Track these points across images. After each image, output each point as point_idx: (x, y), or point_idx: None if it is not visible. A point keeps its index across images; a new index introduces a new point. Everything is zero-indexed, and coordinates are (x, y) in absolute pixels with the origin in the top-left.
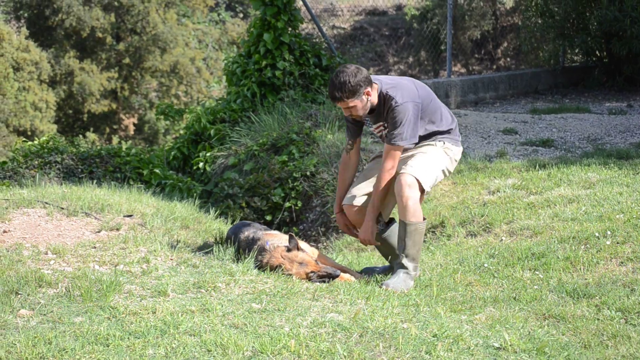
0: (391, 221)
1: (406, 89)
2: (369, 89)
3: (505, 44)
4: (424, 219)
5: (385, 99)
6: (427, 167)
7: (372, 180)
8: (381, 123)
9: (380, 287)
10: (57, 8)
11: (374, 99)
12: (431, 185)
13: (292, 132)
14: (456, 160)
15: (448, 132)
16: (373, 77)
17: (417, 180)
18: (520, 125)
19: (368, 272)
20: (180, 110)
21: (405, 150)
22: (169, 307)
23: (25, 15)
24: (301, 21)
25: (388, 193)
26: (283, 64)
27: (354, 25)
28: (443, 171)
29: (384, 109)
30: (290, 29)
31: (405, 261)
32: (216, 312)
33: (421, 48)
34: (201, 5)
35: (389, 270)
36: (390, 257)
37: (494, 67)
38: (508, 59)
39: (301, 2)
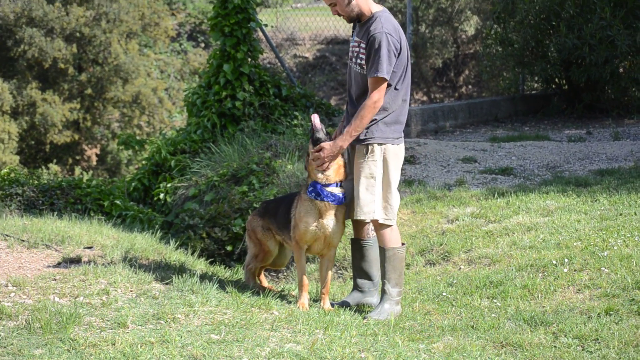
0: None
1: (396, 27)
2: None
3: (467, 72)
4: (403, 243)
5: (373, 21)
6: (362, 198)
7: None
8: (359, 39)
9: (364, 319)
10: (19, 39)
11: (362, 5)
12: (377, 209)
13: (252, 162)
14: (395, 154)
15: (394, 121)
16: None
17: (378, 220)
18: (479, 153)
19: (344, 304)
20: (142, 141)
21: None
22: (128, 339)
23: None
24: (261, 52)
25: None
26: (243, 94)
27: (316, 54)
28: (394, 182)
29: (367, 30)
30: (250, 59)
31: (387, 287)
32: (175, 343)
33: None
34: (163, 35)
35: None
36: (358, 274)
37: (456, 94)
38: (470, 87)
39: (261, 33)
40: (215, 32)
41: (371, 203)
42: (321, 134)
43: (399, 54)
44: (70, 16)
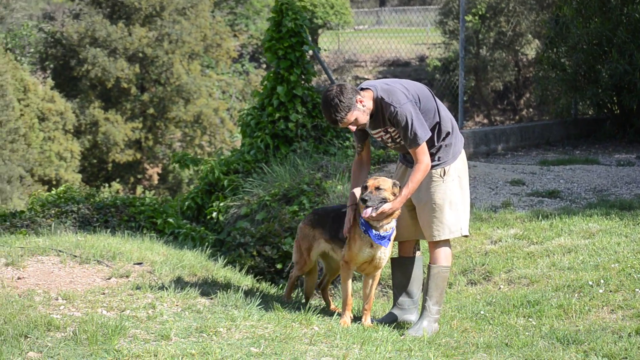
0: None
1: (399, 92)
2: (359, 97)
3: (528, 95)
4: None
5: (382, 106)
6: (448, 218)
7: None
8: (381, 129)
9: (402, 336)
10: (83, 59)
11: (369, 104)
12: (463, 226)
13: (303, 182)
14: (465, 168)
15: (448, 135)
16: (366, 83)
17: (449, 241)
18: (528, 176)
19: (384, 321)
20: (197, 159)
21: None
22: (170, 351)
23: (51, 66)
24: (314, 74)
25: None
26: (296, 116)
27: (377, 76)
28: (462, 200)
29: (382, 115)
30: (303, 82)
31: (428, 304)
32: (215, 355)
33: (443, 98)
34: (225, 56)
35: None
36: (398, 292)
37: (517, 117)
38: (531, 110)
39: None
40: (269, 54)
41: (458, 221)
42: (372, 202)
43: (419, 103)
44: (133, 36)
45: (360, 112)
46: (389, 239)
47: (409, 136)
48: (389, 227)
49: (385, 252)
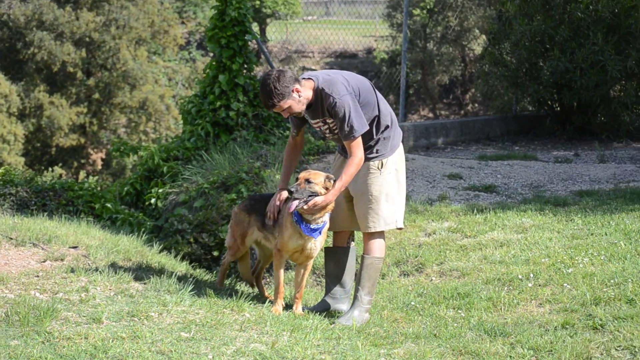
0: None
1: (339, 83)
2: (297, 86)
3: (473, 90)
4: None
5: (322, 96)
6: (384, 210)
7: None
8: (320, 119)
9: (332, 324)
10: (29, 42)
11: (307, 94)
12: (398, 218)
13: (242, 171)
14: (402, 162)
15: (387, 128)
16: (309, 73)
17: (383, 233)
18: (466, 170)
19: (315, 309)
20: (136, 147)
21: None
22: (101, 334)
23: None
24: (256, 64)
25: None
26: (237, 105)
27: (324, 67)
28: (398, 193)
29: (322, 106)
30: (245, 71)
31: (360, 294)
32: (145, 339)
33: (389, 91)
34: (172, 43)
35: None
36: (331, 282)
37: (462, 112)
38: (476, 105)
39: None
40: (212, 43)
41: (394, 213)
42: (300, 196)
43: (359, 96)
44: (80, 21)
45: (295, 101)
46: (320, 232)
47: (345, 128)
48: (321, 220)
49: (316, 243)
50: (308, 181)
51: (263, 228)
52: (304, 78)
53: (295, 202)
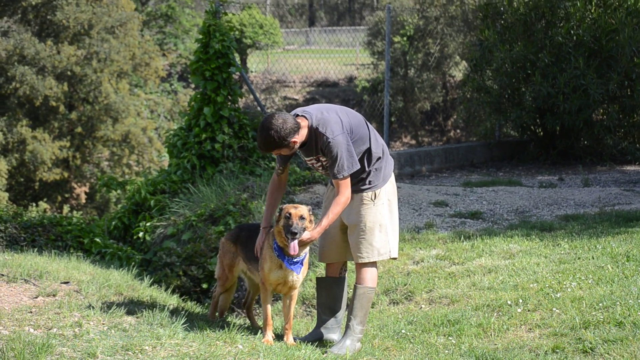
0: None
1: (334, 122)
2: (295, 138)
3: (455, 116)
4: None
5: (316, 135)
6: (377, 240)
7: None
8: (314, 157)
9: (324, 354)
10: (11, 77)
11: (302, 138)
12: (392, 248)
13: (229, 203)
14: (394, 192)
15: (378, 159)
16: (303, 109)
17: (376, 263)
18: (451, 197)
19: (307, 340)
20: (123, 182)
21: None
22: None
23: None
24: (240, 96)
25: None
26: (222, 137)
27: (305, 96)
28: (390, 223)
29: (315, 144)
30: (230, 103)
31: (352, 323)
32: None
33: (371, 119)
34: (153, 75)
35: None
36: (322, 312)
37: (444, 138)
38: (458, 131)
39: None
40: (196, 75)
41: (387, 243)
42: (299, 234)
43: (352, 133)
44: (62, 55)
45: (288, 149)
46: (301, 264)
47: (335, 168)
48: (302, 252)
49: (299, 277)
50: (301, 217)
51: (247, 260)
52: (298, 115)
53: (296, 243)
